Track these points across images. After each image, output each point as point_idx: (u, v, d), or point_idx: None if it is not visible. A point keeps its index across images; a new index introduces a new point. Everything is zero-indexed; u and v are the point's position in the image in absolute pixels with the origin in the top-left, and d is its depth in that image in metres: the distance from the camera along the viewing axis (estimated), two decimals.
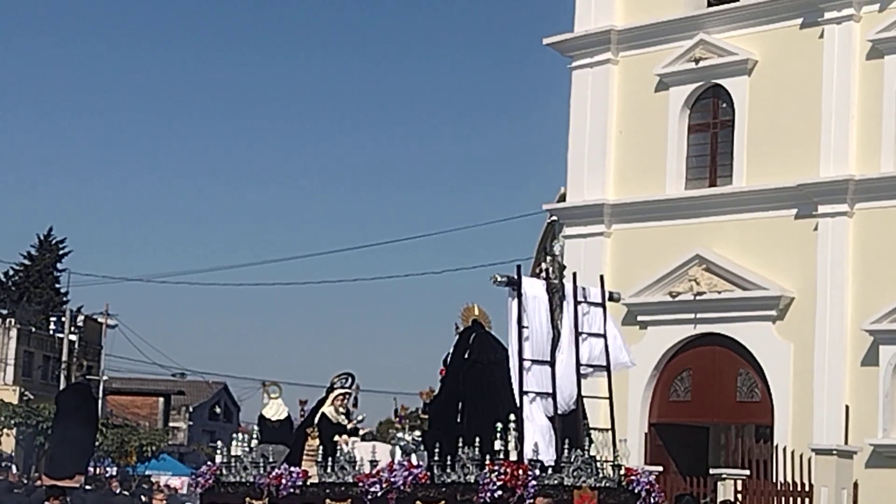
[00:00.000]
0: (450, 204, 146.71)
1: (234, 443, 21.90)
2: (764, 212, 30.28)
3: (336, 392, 21.48)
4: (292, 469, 20.39)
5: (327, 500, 19.45)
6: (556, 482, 17.27)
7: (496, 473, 16.96)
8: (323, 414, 21.23)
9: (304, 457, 20.85)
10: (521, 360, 17.95)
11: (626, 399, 30.71)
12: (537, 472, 17.18)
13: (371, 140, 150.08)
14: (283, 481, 20.21)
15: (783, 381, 29.65)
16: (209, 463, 22.54)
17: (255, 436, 21.94)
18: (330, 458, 19.80)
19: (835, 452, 27.66)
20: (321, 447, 20.31)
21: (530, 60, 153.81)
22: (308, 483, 20.05)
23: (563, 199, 34.37)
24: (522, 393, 17.83)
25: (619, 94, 33.11)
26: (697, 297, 30.74)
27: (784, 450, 28.11)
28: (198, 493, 22.38)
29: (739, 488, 27.48)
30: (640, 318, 31.51)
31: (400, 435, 20.25)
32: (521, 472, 17.00)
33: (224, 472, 21.63)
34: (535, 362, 18.10)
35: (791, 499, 27.21)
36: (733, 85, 31.23)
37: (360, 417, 21.82)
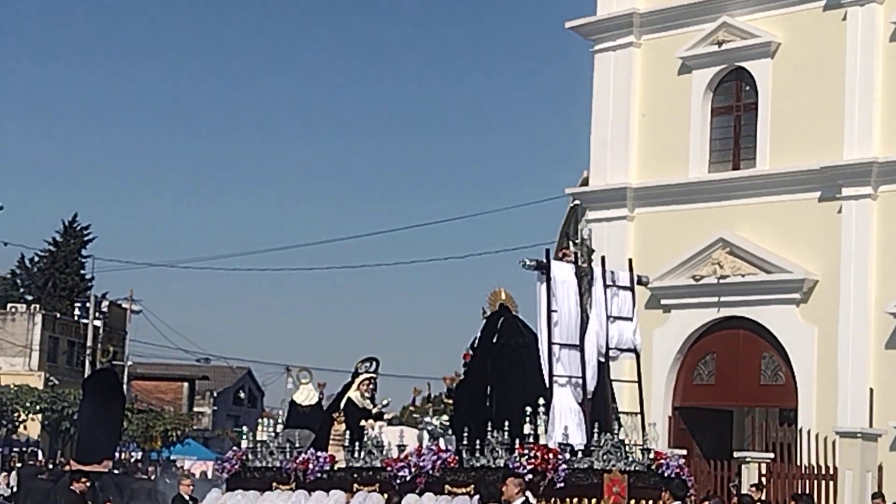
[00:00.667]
0: (473, 188, 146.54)
1: (259, 428, 21.97)
2: (787, 194, 30.22)
3: (361, 377, 21.51)
4: (319, 454, 20.42)
5: (355, 485, 19.47)
6: (585, 466, 17.27)
7: (526, 457, 16.97)
8: (349, 398, 21.27)
9: (331, 441, 20.88)
10: (550, 344, 17.95)
11: (650, 383, 30.65)
12: (567, 455, 17.20)
13: (392, 125, 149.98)
14: (311, 466, 20.25)
15: (807, 364, 29.59)
16: (235, 448, 22.61)
17: (279, 421, 21.99)
18: (357, 443, 19.83)
19: (859, 435, 27.62)
20: (348, 432, 20.35)
21: (553, 44, 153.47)
22: (335, 468, 20.09)
23: (585, 183, 34.33)
24: (552, 377, 17.84)
25: (641, 77, 33.05)
26: (721, 281, 30.70)
27: (808, 433, 28.10)
28: (224, 478, 22.44)
29: (763, 471, 27.48)
30: (663, 301, 31.49)
31: (427, 419, 20.28)
32: (551, 455, 17.02)
33: (250, 457, 21.70)
34: (564, 346, 18.06)
35: (815, 482, 27.20)
36: (756, 67, 31.14)
37: (385, 402, 21.85)
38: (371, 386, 21.59)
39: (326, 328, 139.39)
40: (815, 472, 27.34)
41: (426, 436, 19.63)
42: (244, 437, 22.29)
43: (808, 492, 26.92)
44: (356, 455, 19.74)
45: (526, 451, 17.05)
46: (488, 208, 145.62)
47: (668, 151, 32.24)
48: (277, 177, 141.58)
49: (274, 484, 21.02)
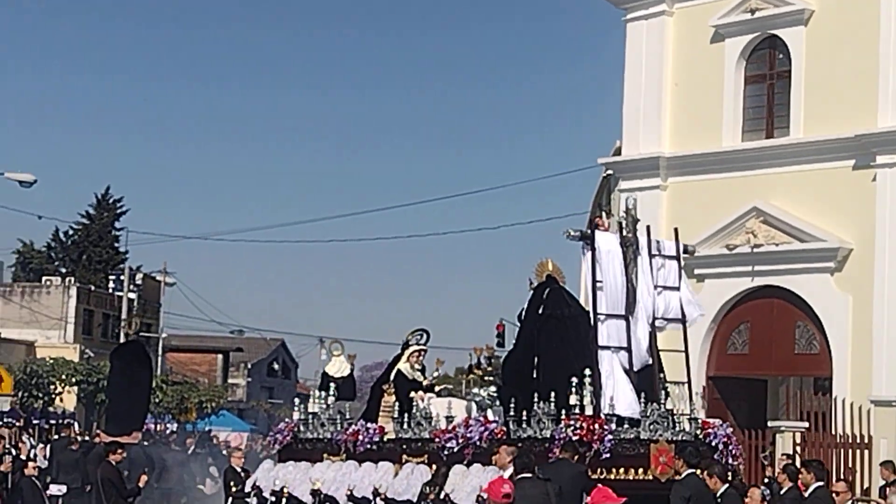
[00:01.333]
0: (505, 159, 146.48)
1: (311, 400, 22.08)
2: (821, 163, 30.05)
3: (411, 349, 21.56)
4: (369, 425, 20.53)
5: (404, 456, 19.56)
6: (632, 436, 17.27)
7: (572, 428, 16.94)
8: (399, 370, 21.34)
9: (381, 413, 20.97)
10: (595, 314, 17.87)
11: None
12: (613, 426, 17.15)
13: (428, 97, 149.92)
14: (360, 437, 20.34)
15: (842, 333, 29.46)
16: (287, 420, 22.70)
17: (332, 393, 22.08)
18: (406, 414, 19.88)
19: (894, 404, 27.56)
20: (397, 403, 20.41)
21: (585, 13, 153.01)
22: (385, 439, 20.16)
23: (618, 152, 34.22)
24: (598, 347, 17.76)
25: (674, 45, 32.90)
26: (755, 250, 30.59)
27: (843, 402, 28.04)
28: (276, 449, 22.58)
29: (798, 441, 27.45)
30: (697, 271, 31.34)
31: (475, 390, 20.33)
32: (597, 426, 16.98)
33: (302, 428, 21.79)
34: (610, 316, 18.01)
35: (850, 451, 27.16)
36: (790, 35, 30.94)
37: (435, 373, 21.90)
38: (421, 358, 21.65)
39: (360, 299, 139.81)
40: (850, 440, 27.29)
41: (474, 407, 19.69)
42: (296, 408, 22.40)
43: (843, 460, 26.92)
44: (405, 426, 19.82)
45: (572, 422, 17.03)
46: (522, 179, 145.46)
47: (701, 120, 32.09)
48: (311, 149, 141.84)
49: (325, 455, 21.16)
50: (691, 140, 32.27)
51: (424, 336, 21.86)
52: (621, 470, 17.14)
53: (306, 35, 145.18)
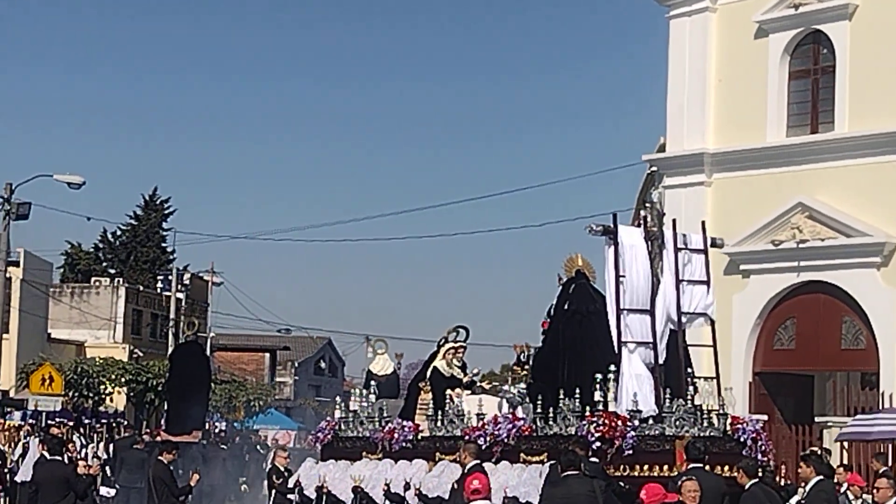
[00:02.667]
0: (550, 156, 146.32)
1: (352, 398, 22.14)
2: (866, 157, 29.94)
3: (447, 346, 21.57)
4: (405, 423, 20.53)
5: (437, 454, 19.55)
6: (657, 432, 17.14)
7: (595, 425, 16.89)
8: (435, 368, 21.34)
9: (418, 411, 21.01)
10: (618, 309, 17.73)
11: (730, 348, 30.61)
12: (636, 423, 17.09)
13: (470, 94, 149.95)
14: (396, 435, 20.36)
15: (889, 328, 29.34)
16: (328, 418, 22.81)
17: (373, 391, 22.16)
18: (440, 412, 19.90)
19: None
20: (433, 401, 20.45)
21: (627, 11, 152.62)
22: (419, 437, 20.19)
23: (662, 149, 34.22)
24: (621, 343, 17.69)
25: (717, 42, 32.86)
26: (800, 245, 30.52)
27: (890, 397, 27.95)
28: (318, 448, 22.68)
29: None
30: (742, 266, 31.37)
31: (506, 388, 20.35)
32: (619, 423, 16.92)
33: (342, 427, 21.88)
34: (633, 311, 17.85)
35: None
36: (834, 30, 30.85)
37: (475, 371, 21.92)
38: (461, 355, 21.66)
39: (406, 297, 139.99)
40: None
41: (505, 404, 19.71)
42: (337, 406, 22.49)
43: (891, 456, 26.81)
44: (438, 424, 19.85)
45: (594, 419, 16.99)
46: (567, 176, 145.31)
47: (746, 116, 32.05)
48: (354, 148, 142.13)
49: (363, 453, 21.19)
50: (735, 136, 32.23)
51: (463, 333, 21.84)
52: (645, 467, 16.97)
53: (355, 32, 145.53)
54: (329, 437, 22.15)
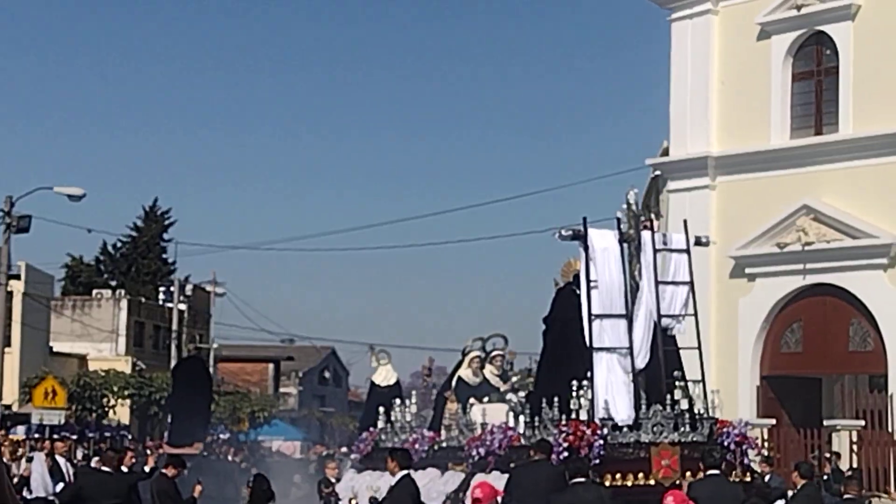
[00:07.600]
0: (553, 161, 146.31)
1: (393, 408, 22.03)
2: (871, 158, 29.81)
3: (471, 355, 21.42)
4: (424, 433, 20.44)
5: (449, 464, 19.42)
6: (631, 440, 16.81)
7: (563, 434, 16.63)
8: (459, 377, 21.18)
9: (445, 421, 20.90)
10: (590, 315, 17.29)
11: (737, 352, 30.49)
12: (605, 431, 16.76)
13: (477, 100, 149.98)
14: (417, 446, 20.22)
15: None
16: (371, 429, 22.67)
17: (414, 401, 22.04)
18: (453, 423, 19.85)
19: None
20: (461, 410, 20.36)
21: (629, 14, 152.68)
22: (436, 447, 20.07)
23: (666, 153, 34.09)
24: (592, 349, 17.27)
25: (719, 44, 32.73)
26: (806, 248, 30.36)
27: None
28: (358, 459, 22.59)
29: (854, 439, 27.21)
30: (747, 270, 31.22)
31: (510, 396, 20.22)
32: (588, 431, 16.59)
33: (383, 437, 21.75)
34: (608, 316, 17.38)
35: None
36: (837, 31, 30.72)
37: (514, 378, 21.78)
38: (499, 362, 21.50)
39: (409, 306, 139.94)
40: None
41: (511, 413, 19.59)
42: (380, 417, 22.38)
43: None
44: (452, 434, 19.79)
45: (564, 429, 16.71)
46: (569, 181, 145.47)
47: (749, 119, 31.91)
48: (356, 157, 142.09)
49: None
50: (739, 139, 32.08)
51: (501, 341, 21.71)
52: (618, 475, 16.60)
53: (369, 33, 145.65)
54: (370, 448, 22.04)
